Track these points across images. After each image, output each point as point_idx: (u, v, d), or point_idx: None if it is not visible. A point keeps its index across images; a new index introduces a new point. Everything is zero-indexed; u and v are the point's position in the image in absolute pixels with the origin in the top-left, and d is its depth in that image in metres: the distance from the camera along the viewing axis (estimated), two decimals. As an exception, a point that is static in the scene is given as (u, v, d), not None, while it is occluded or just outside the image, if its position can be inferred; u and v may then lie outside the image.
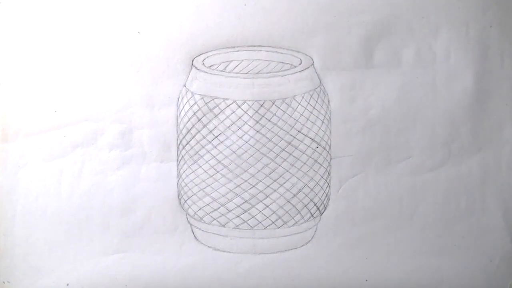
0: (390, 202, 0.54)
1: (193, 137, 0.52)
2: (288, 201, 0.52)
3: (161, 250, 0.54)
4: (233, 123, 0.52)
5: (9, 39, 0.54)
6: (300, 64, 0.53)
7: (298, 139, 0.52)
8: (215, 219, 0.53)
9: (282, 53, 0.54)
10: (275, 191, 0.52)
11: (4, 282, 0.54)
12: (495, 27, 0.54)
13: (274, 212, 0.52)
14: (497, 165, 0.54)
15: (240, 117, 0.52)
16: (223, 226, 0.53)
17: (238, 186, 0.52)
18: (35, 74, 0.54)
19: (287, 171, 0.52)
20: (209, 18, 0.54)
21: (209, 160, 0.52)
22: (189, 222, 0.54)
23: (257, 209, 0.52)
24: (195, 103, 0.52)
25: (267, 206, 0.52)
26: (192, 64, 0.53)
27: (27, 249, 0.54)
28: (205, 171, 0.52)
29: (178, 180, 0.54)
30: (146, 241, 0.54)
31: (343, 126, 0.54)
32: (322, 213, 0.54)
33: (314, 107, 0.52)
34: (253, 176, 0.52)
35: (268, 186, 0.52)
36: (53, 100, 0.54)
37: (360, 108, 0.54)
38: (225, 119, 0.52)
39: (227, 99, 0.52)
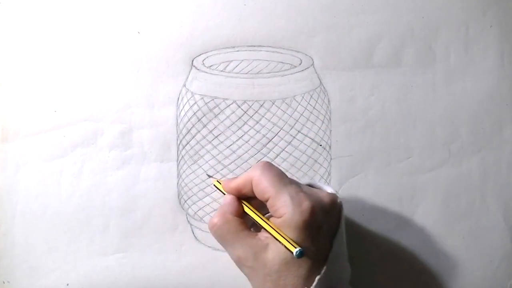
0: (390, 202, 0.54)
1: (193, 137, 0.52)
2: (288, 201, 0.52)
3: (161, 250, 0.54)
4: (233, 123, 0.52)
5: (9, 39, 0.54)
6: (300, 64, 0.53)
7: (298, 139, 0.52)
8: (215, 219, 0.53)
9: (282, 53, 0.54)
10: (275, 191, 0.52)
11: (4, 282, 0.54)
12: (495, 27, 0.54)
13: (274, 212, 0.52)
14: (497, 165, 0.54)
15: (240, 117, 0.52)
16: (223, 226, 0.53)
17: (238, 186, 0.52)
18: (35, 74, 0.54)
19: (287, 171, 0.52)
20: (209, 18, 0.54)
21: (209, 160, 0.52)
22: (189, 222, 0.54)
23: (257, 209, 0.52)
24: (195, 103, 0.52)
25: (267, 206, 0.52)
26: (192, 64, 0.53)
27: (27, 249, 0.54)
28: (205, 171, 0.52)
29: (178, 180, 0.54)
30: (146, 241, 0.54)
31: (343, 126, 0.54)
32: (322, 213, 0.54)
33: (314, 107, 0.52)
34: (253, 176, 0.52)
35: (268, 186, 0.52)
36: (53, 100, 0.54)
37: (360, 108, 0.54)
38: (225, 119, 0.52)
39: (227, 99, 0.52)
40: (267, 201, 0.44)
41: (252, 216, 0.45)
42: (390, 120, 0.54)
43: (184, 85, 0.53)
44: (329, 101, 0.54)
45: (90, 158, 0.54)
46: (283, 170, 0.52)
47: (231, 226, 0.45)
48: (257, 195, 0.45)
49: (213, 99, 0.52)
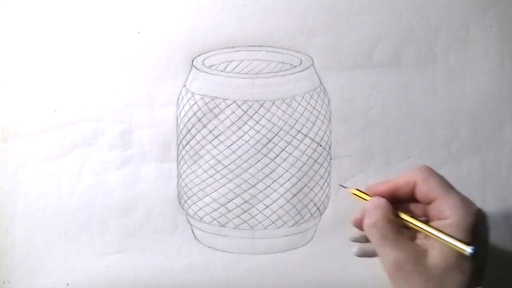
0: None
1: (193, 137, 0.52)
2: (288, 201, 0.52)
3: (161, 250, 0.54)
4: (233, 123, 0.52)
5: (9, 39, 0.54)
6: (300, 64, 0.53)
7: (298, 139, 0.52)
8: (215, 219, 0.53)
9: (282, 53, 0.54)
10: (275, 191, 0.52)
11: (4, 282, 0.54)
12: (495, 27, 0.54)
13: (274, 212, 0.52)
14: (497, 165, 0.54)
15: (240, 117, 0.52)
16: (223, 226, 0.53)
17: (238, 186, 0.52)
18: (35, 74, 0.54)
19: (287, 171, 0.52)
20: (209, 18, 0.54)
21: (209, 160, 0.52)
22: (189, 222, 0.54)
23: (257, 209, 0.52)
24: (195, 103, 0.52)
25: (267, 206, 0.52)
26: (192, 64, 0.53)
27: (27, 249, 0.54)
28: (205, 171, 0.52)
29: (178, 180, 0.54)
30: (146, 241, 0.54)
31: (343, 126, 0.54)
32: (322, 213, 0.54)
33: (314, 107, 0.52)
34: (253, 176, 0.52)
35: (268, 186, 0.52)
36: (53, 100, 0.54)
37: (360, 108, 0.54)
38: (225, 119, 0.52)
39: (227, 99, 0.52)
40: (430, 202, 0.43)
41: (411, 221, 0.44)
42: (390, 120, 0.54)
43: (184, 85, 0.53)
44: (329, 101, 0.54)
45: (90, 158, 0.54)
46: (282, 170, 0.52)
47: (393, 226, 0.43)
48: (420, 196, 0.44)
49: (213, 99, 0.52)
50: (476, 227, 0.41)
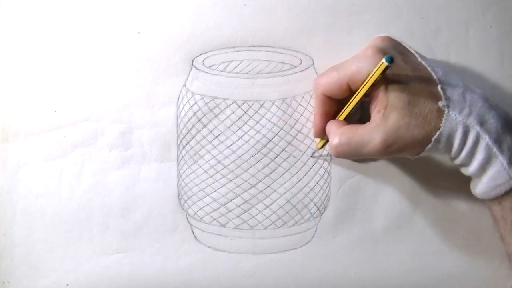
0: (390, 202, 0.54)
1: (193, 137, 0.52)
2: (288, 201, 0.52)
3: (161, 250, 0.54)
4: (233, 123, 0.52)
5: (9, 39, 0.54)
6: (300, 64, 0.53)
7: (298, 139, 0.52)
8: (215, 219, 0.53)
9: (282, 53, 0.54)
10: (275, 191, 0.52)
11: (4, 282, 0.54)
12: (495, 27, 0.54)
13: (274, 212, 0.52)
14: (497, 165, 0.54)
15: (240, 117, 0.52)
16: (223, 226, 0.53)
17: (238, 186, 0.52)
18: (35, 74, 0.54)
19: (287, 171, 0.52)
20: (209, 18, 0.54)
21: (209, 160, 0.52)
22: (189, 222, 0.54)
23: (257, 209, 0.52)
24: (195, 103, 0.52)
25: (267, 206, 0.52)
26: (192, 64, 0.53)
27: (27, 249, 0.54)
28: (205, 171, 0.52)
29: (178, 180, 0.54)
30: (146, 241, 0.54)
31: (343, 126, 0.54)
32: (322, 213, 0.54)
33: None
34: (253, 176, 0.52)
35: (268, 186, 0.52)
36: (53, 100, 0.54)
37: (360, 108, 0.54)
38: (225, 119, 0.52)
39: (227, 99, 0.52)
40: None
41: (347, 107, 0.48)
42: (390, 120, 0.54)
43: (184, 85, 0.53)
44: (329, 101, 0.54)
45: (90, 158, 0.54)
46: (282, 170, 0.52)
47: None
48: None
49: (213, 99, 0.52)
50: (388, 49, 0.47)
